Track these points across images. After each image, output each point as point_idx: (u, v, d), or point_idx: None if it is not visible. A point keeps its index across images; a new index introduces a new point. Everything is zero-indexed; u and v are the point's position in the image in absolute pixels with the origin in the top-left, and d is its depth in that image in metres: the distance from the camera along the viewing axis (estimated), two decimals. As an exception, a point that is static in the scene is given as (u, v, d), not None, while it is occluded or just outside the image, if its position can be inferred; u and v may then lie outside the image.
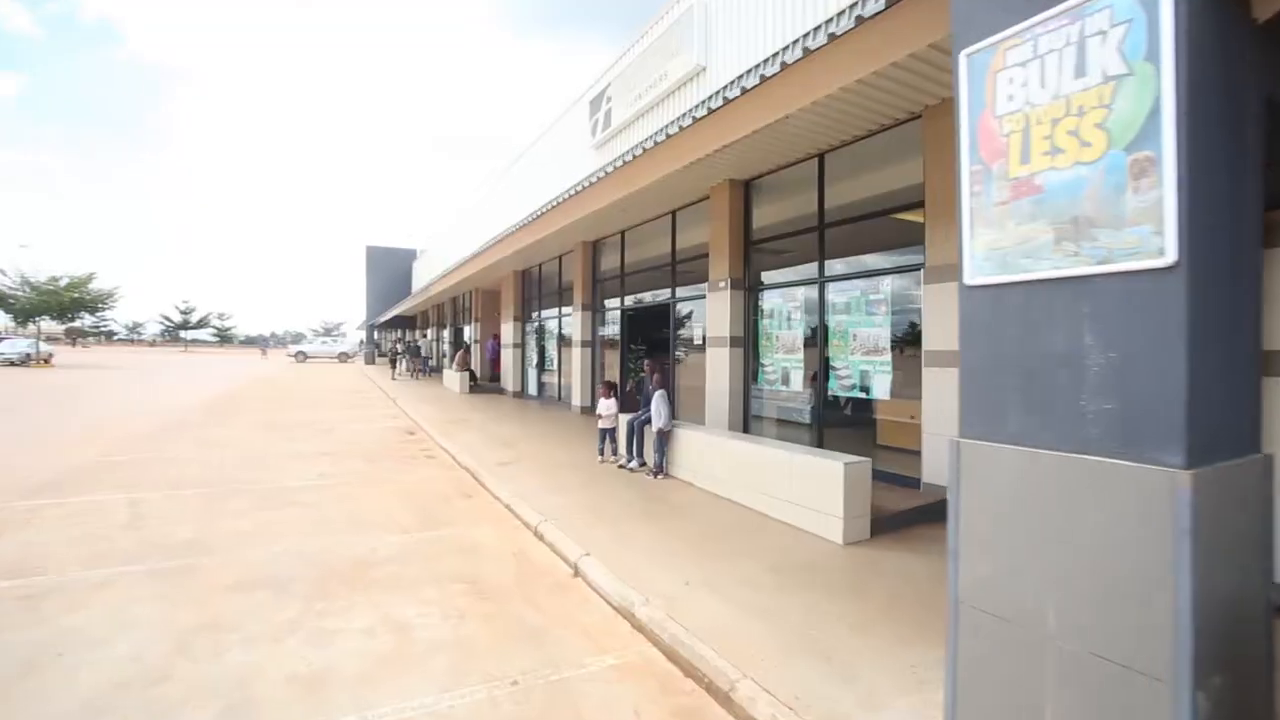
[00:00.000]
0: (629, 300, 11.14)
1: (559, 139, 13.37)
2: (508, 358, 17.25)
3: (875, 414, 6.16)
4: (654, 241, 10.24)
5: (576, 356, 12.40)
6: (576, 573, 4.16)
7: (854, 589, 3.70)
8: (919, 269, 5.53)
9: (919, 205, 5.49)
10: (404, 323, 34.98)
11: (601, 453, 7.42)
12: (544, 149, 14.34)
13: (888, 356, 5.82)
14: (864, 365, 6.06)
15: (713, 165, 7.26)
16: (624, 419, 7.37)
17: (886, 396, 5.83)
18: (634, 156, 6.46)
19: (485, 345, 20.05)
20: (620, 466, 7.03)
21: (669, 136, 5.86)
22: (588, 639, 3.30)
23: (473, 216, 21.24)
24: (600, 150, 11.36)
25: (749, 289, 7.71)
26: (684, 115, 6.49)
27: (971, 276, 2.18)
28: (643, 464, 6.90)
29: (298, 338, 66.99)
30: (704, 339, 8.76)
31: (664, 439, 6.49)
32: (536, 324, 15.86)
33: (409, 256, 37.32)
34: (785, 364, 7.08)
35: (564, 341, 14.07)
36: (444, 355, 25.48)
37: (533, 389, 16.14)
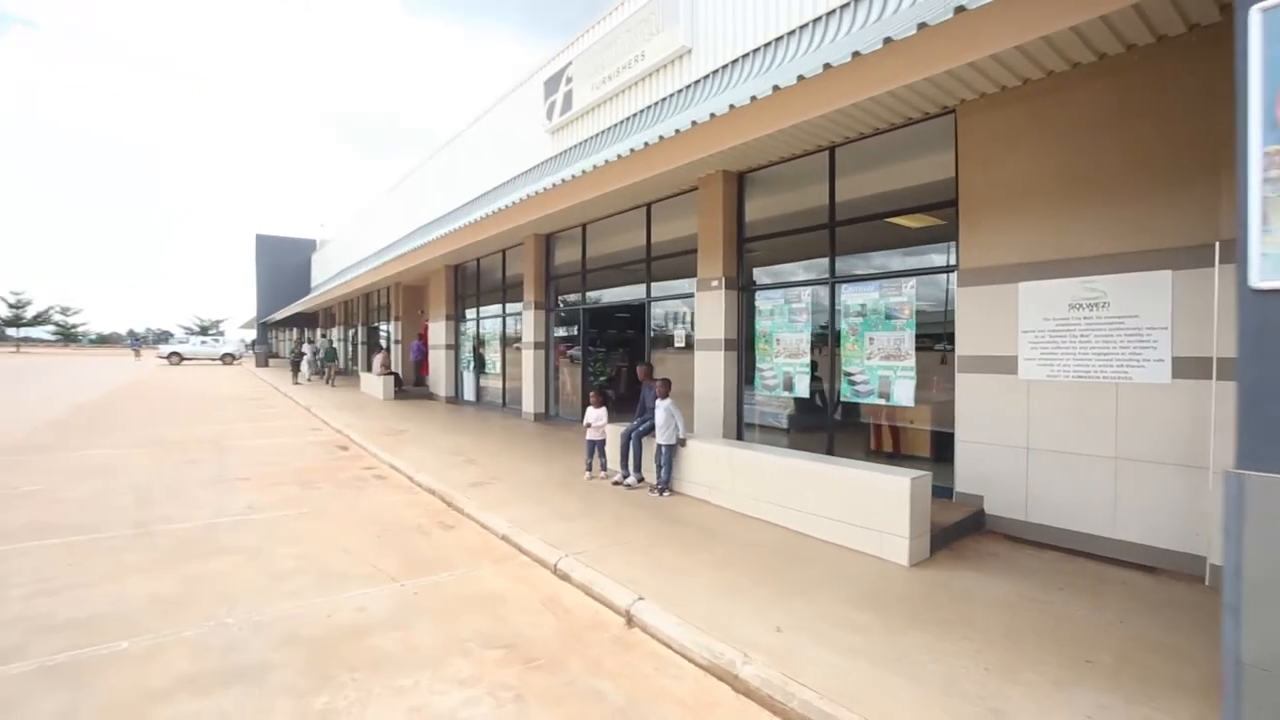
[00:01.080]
0: (592, 298, 10.40)
1: (503, 121, 12.35)
2: (438, 360, 15.82)
3: (893, 421, 5.92)
4: (623, 235, 9.59)
5: (529, 360, 11.45)
6: (631, 622, 3.47)
7: (962, 622, 3.31)
8: (949, 270, 5.33)
9: (948, 204, 5.29)
10: (304, 321, 31.58)
11: (589, 467, 6.68)
12: (483, 132, 13.23)
13: (911, 361, 5.58)
14: (883, 370, 5.80)
15: (704, 159, 6.73)
16: (612, 429, 6.68)
17: (910, 403, 5.60)
18: (619, 157, 5.72)
19: (410, 346, 18.35)
20: (615, 483, 6.34)
21: (662, 139, 5.21)
22: (692, 715, 2.65)
23: (391, 205, 19.44)
24: (557, 135, 10.54)
25: (742, 289, 7.28)
26: (666, 113, 5.92)
27: (1263, 278, 1.78)
28: (641, 479, 6.25)
29: (163, 336, 59.10)
30: (688, 341, 8.26)
31: (671, 453, 5.89)
32: (474, 323, 14.63)
33: (307, 248, 33.81)
34: (788, 369, 6.72)
35: (510, 343, 13.03)
36: (351, 357, 23.15)
37: (469, 394, 14.88)
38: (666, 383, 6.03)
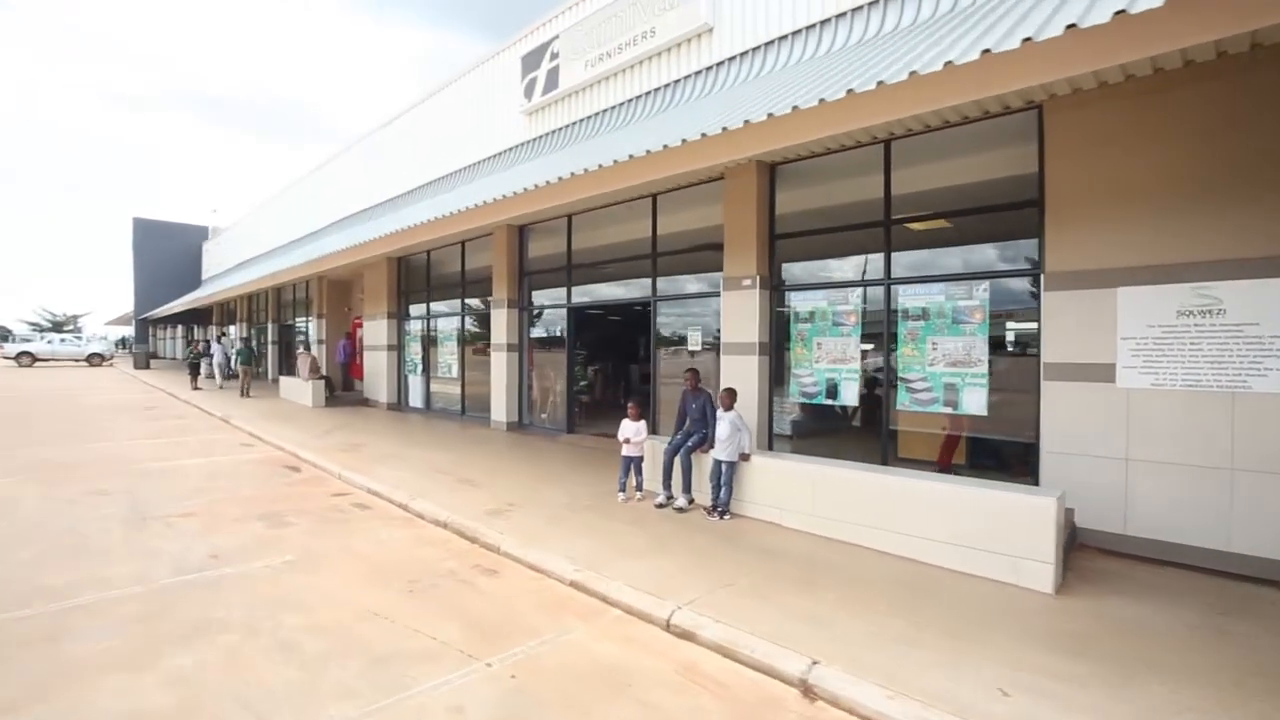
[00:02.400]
0: (579, 297, 9.52)
1: (464, 100, 11.17)
2: (376, 362, 14.16)
3: (959, 430, 5.64)
4: (619, 227, 8.81)
5: (500, 363, 10.35)
6: (810, 693, 2.83)
7: (1175, 666, 2.94)
8: (1027, 273, 5.10)
9: (1029, 204, 5.06)
10: (194, 317, 27.63)
11: (623, 487, 5.90)
12: (438, 111, 11.93)
13: (983, 368, 5.32)
14: (949, 378, 5.50)
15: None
16: (652, 443, 5.95)
17: (982, 411, 5.33)
18: (631, 157, 5.02)
19: (335, 347, 16.37)
20: (659, 505, 5.61)
21: (685, 142, 4.60)
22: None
23: (318, 187, 17.33)
24: (536, 116, 9.61)
25: (774, 288, 6.79)
26: (681, 97, 5.23)
27: None
28: (691, 500, 5.57)
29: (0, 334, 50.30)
30: (702, 344, 7.67)
31: (733, 470, 5.26)
32: (422, 321, 13.20)
33: (196, 235, 29.65)
34: (832, 375, 6.30)
35: (471, 343, 11.81)
36: (255, 357, 20.42)
37: (416, 400, 13.40)
38: (731, 392, 5.40)
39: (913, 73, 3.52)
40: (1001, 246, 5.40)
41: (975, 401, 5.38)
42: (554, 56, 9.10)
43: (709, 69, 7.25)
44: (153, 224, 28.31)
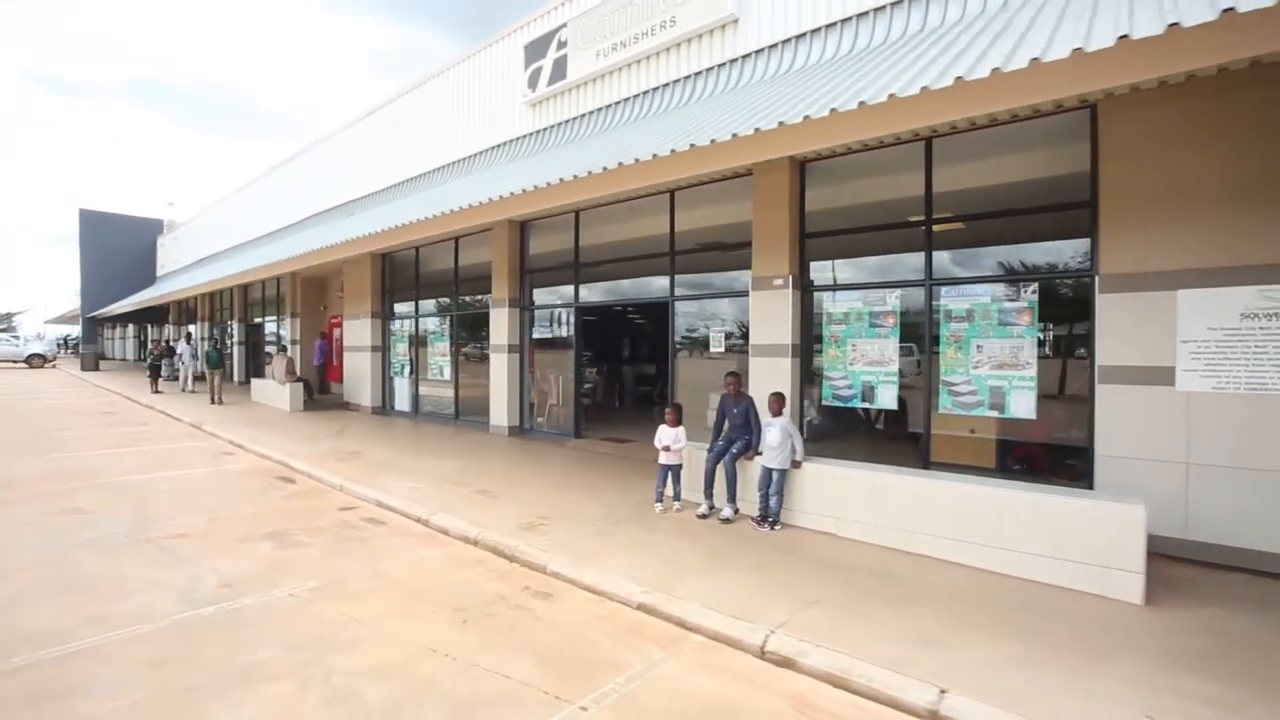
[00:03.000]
0: (588, 295, 9.16)
1: (461, 89, 10.65)
2: (358, 364, 13.47)
3: (1003, 434, 5.55)
4: (632, 223, 8.50)
5: (500, 365, 9.91)
6: (943, 732, 2.61)
7: (1303, 685, 2.85)
8: (1084, 274, 5.02)
9: (1081, 205, 4.98)
10: (149, 316, 25.95)
11: (660, 497, 5.62)
12: (431, 100, 11.38)
13: (1031, 371, 5.23)
14: (994, 380, 5.40)
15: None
16: (689, 450, 5.68)
17: (1031, 415, 5.24)
18: (672, 152, 4.75)
19: (313, 347, 15.55)
20: (702, 516, 5.35)
21: (715, 142, 4.40)
22: None
23: (295, 179, 16.43)
24: (540, 108, 9.21)
25: (805, 288, 6.60)
26: (703, 90, 5.03)
27: None
28: (736, 511, 5.32)
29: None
30: (726, 345, 7.44)
31: (784, 479, 5.04)
32: (410, 321, 12.60)
33: (150, 229, 27.85)
34: (868, 377, 6.15)
35: (465, 344, 11.31)
36: (223, 359, 19.22)
37: (403, 404, 12.79)
38: (780, 397, 5.17)
39: (958, 79, 3.41)
40: (1049, 247, 5.33)
41: (1023, 405, 5.29)
42: (561, 45, 8.73)
43: (733, 62, 7.01)
44: (101, 216, 26.46)
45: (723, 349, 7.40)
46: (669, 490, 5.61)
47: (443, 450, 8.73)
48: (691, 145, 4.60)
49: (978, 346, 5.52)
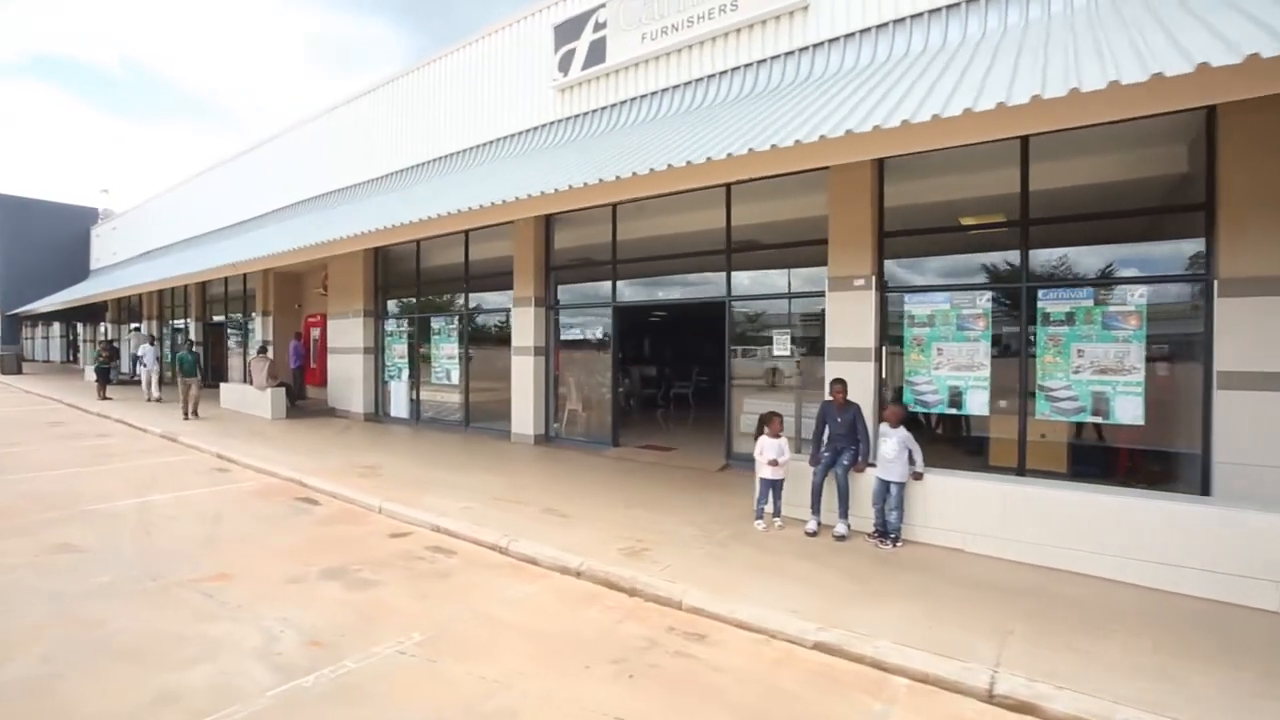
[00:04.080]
0: (626, 295, 8.64)
1: (470, 71, 9.91)
2: (348, 367, 12.46)
3: (1106, 441, 5.42)
4: (679, 217, 8.04)
5: (524, 369, 9.26)
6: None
7: None
8: (1199, 278, 4.92)
9: (1196, 206, 4.88)
10: (81, 314, 23.44)
11: (761, 514, 5.21)
12: (432, 83, 10.57)
13: (1139, 376, 5.10)
14: (1097, 385, 5.26)
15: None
16: (785, 459, 5.28)
17: (1138, 421, 5.11)
18: (750, 151, 4.41)
19: (288, 349, 14.32)
20: (812, 533, 4.98)
21: (799, 143, 4.14)
22: None
23: (254, 169, 15.13)
24: (571, 93, 8.66)
25: (884, 289, 6.33)
26: (768, 82, 4.71)
27: None
28: (849, 527, 4.97)
29: None
30: (791, 349, 7.09)
31: (902, 492, 4.72)
32: (409, 321, 11.73)
33: (83, 218, 25.23)
34: (955, 382, 5.92)
35: (476, 344, 10.57)
36: (186, 363, 17.57)
37: (400, 410, 11.90)
38: (899, 406, 4.85)
39: (1073, 90, 3.25)
40: (1157, 248, 5.23)
41: (1129, 411, 5.16)
42: (599, 26, 8.18)
43: (801, 51, 6.67)
44: (23, 203, 23.72)
45: (786, 352, 7.05)
46: (768, 506, 5.21)
47: (471, 462, 8.04)
48: (773, 146, 4.31)
49: (1079, 351, 5.37)
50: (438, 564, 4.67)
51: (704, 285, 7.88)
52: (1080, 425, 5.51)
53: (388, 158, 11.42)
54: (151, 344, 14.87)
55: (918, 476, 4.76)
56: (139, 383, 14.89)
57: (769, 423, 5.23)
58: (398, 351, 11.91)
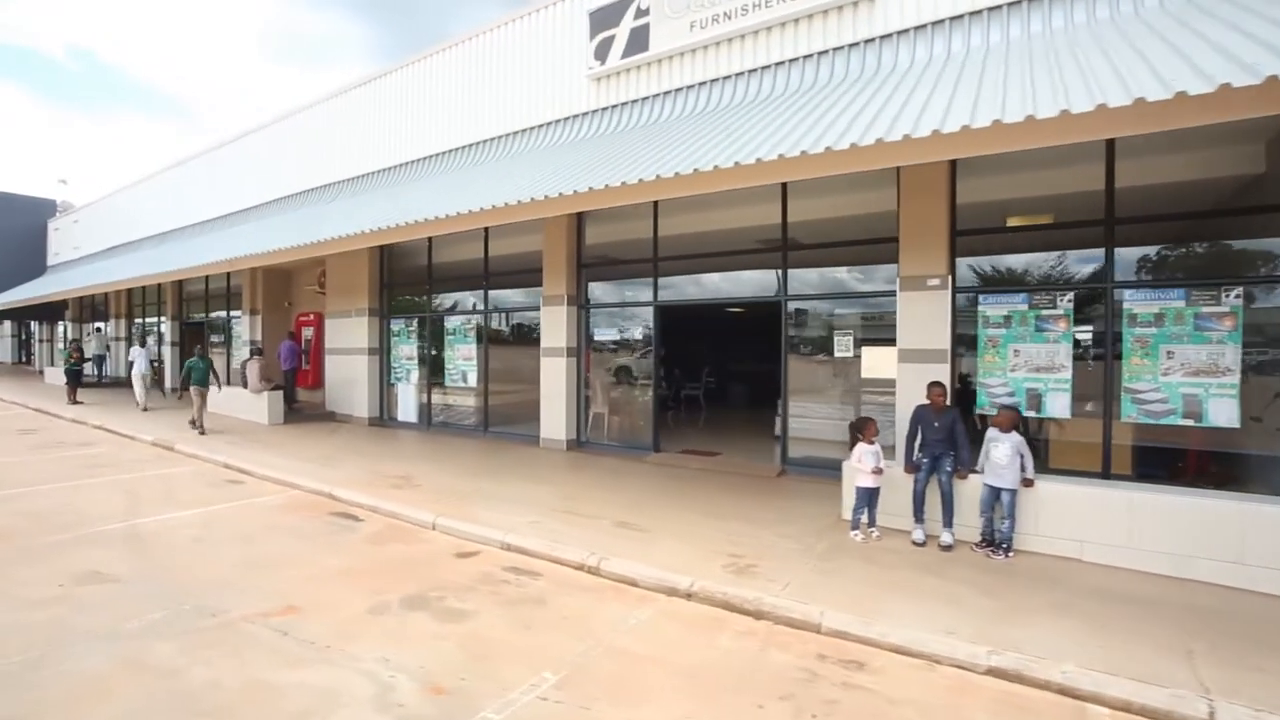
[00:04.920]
0: (668, 293, 8.30)
1: (495, 57, 9.42)
2: (351, 369, 11.79)
3: (1195, 444, 5.34)
4: (728, 212, 7.73)
5: (555, 371, 8.83)
6: None
7: None
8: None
9: (1294, 206, 4.83)
10: (36, 312, 21.73)
11: (857, 524, 4.96)
12: (449, 71, 10.03)
13: (1234, 378, 5.03)
14: (1188, 388, 5.18)
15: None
16: (876, 465, 5.04)
17: (1234, 424, 5.04)
18: (827, 150, 4.22)
19: (280, 349, 13.49)
20: (918, 543, 4.76)
21: (880, 141, 3.99)
22: None
23: (244, 159, 14.24)
24: (608, 82, 8.29)
25: (958, 289, 6.16)
26: (830, 76, 4.52)
27: None
28: (953, 537, 4.76)
29: None
30: (853, 349, 6.87)
31: (1014, 499, 4.53)
32: (418, 319, 11.15)
33: (39, 210, 23.44)
34: (1033, 385, 5.79)
35: (498, 344, 10.09)
36: (197, 370, 16.37)
37: (408, 414, 11.30)
38: (1013, 411, 4.66)
39: (1179, 93, 3.12)
40: (1254, 247, 5.16)
41: (1224, 413, 5.09)
42: (642, 13, 7.82)
43: (866, 43, 6.44)
44: (-33, 191, 21.96)
45: (849, 353, 6.84)
46: (863, 516, 4.96)
47: (506, 470, 7.58)
48: (852, 145, 4.13)
49: (1168, 353, 5.28)
50: (526, 588, 4.27)
51: (755, 283, 7.61)
52: (1212, 432, 5.31)
53: (397, 149, 10.79)
54: (142, 346, 13.53)
55: (1028, 483, 4.57)
56: (110, 385, 13.66)
57: (864, 428, 4.99)
58: (405, 352, 11.31)
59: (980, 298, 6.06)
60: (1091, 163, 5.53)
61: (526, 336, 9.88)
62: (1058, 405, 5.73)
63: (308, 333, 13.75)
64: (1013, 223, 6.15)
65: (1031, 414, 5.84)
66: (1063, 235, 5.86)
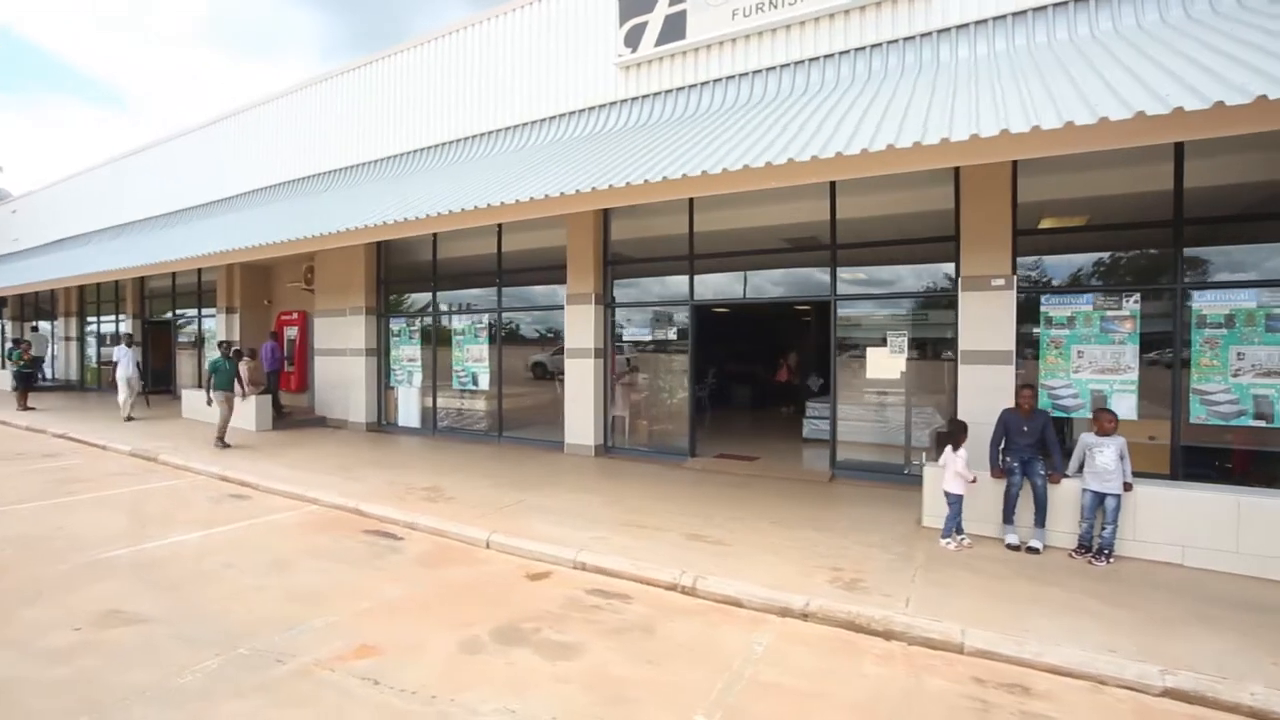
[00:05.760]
0: (703, 291, 7.98)
1: (507, 42, 8.92)
2: (344, 371, 11.05)
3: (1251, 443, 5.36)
4: (769, 208, 7.46)
5: (582, 372, 8.41)
6: None
7: None
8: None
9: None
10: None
11: (949, 532, 4.76)
12: (459, 52, 9.47)
13: (1306, 378, 5.07)
14: (1259, 389, 5.19)
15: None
16: (961, 468, 4.86)
17: (1307, 423, 5.08)
18: (888, 147, 4.11)
19: (261, 350, 12.57)
20: (1013, 548, 4.61)
21: (945, 141, 3.93)
22: None
23: (216, 148, 13.25)
24: (638, 71, 7.97)
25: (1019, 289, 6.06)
26: (883, 68, 4.40)
27: None
28: (1044, 542, 4.61)
29: None
30: (906, 349, 6.72)
31: (1118, 504, 4.41)
32: (420, 318, 10.53)
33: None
34: (1098, 386, 5.73)
35: (512, 344, 9.59)
36: (222, 373, 15.09)
37: (410, 419, 10.66)
38: (1110, 414, 4.52)
39: (1260, 98, 3.13)
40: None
41: (1296, 413, 5.12)
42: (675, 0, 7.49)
43: (923, 37, 6.29)
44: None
45: (902, 353, 6.67)
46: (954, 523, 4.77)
47: (546, 479, 7.13)
48: (916, 143, 4.00)
49: (1238, 354, 5.28)
50: (623, 614, 3.89)
51: (795, 282, 7.38)
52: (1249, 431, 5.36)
53: (395, 139, 10.15)
54: (129, 346, 11.62)
55: (1128, 487, 4.47)
56: (57, 389, 12.15)
57: (958, 435, 4.80)
58: (407, 353, 10.66)
59: (1043, 298, 5.98)
60: (1158, 163, 5.50)
61: (546, 338, 9.43)
62: (1124, 406, 5.68)
63: (291, 332, 12.87)
64: (1075, 223, 6.08)
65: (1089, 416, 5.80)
66: (1129, 236, 5.83)
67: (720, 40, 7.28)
